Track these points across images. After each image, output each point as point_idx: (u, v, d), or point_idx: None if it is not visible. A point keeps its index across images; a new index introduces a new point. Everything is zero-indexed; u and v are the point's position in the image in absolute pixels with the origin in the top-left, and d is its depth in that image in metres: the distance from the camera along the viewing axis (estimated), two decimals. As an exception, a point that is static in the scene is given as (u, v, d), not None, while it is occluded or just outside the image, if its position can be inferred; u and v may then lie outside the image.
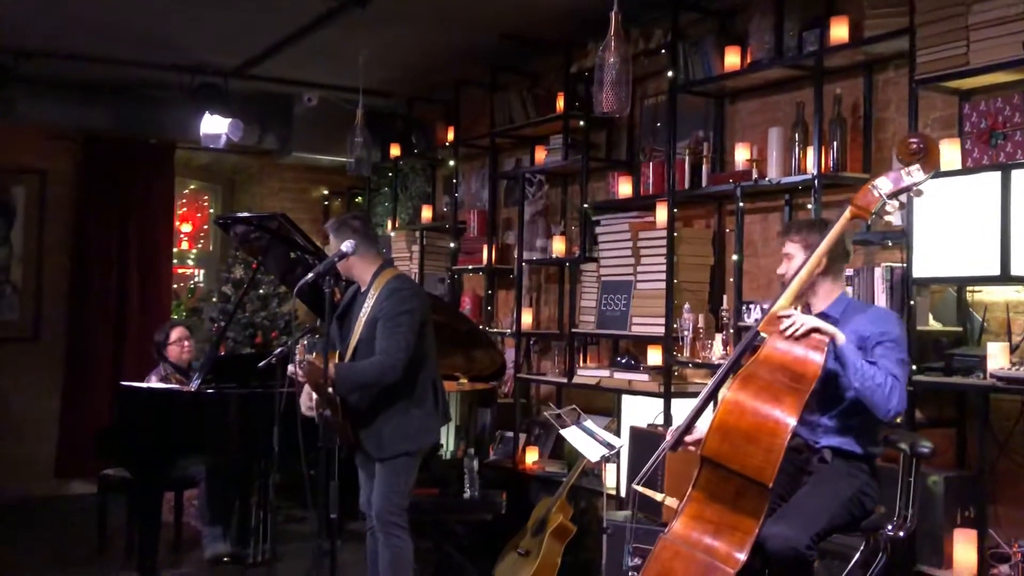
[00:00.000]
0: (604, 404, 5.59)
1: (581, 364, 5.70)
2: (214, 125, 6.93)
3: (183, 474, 5.68)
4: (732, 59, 4.84)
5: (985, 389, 3.57)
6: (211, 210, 9.14)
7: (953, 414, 3.97)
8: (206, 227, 9.09)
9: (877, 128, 4.43)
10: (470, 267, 6.74)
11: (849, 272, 4.00)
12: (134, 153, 7.90)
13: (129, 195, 7.93)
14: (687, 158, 5.07)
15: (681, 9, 5.10)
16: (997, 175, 3.58)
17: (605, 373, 5.36)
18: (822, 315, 3.39)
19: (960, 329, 3.93)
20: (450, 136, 7.03)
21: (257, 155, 8.33)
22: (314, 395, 4.13)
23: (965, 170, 3.79)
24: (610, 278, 5.39)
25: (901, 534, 3.25)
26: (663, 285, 4.97)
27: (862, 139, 4.44)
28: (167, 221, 8.20)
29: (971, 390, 3.66)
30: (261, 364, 4.56)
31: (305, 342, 4.03)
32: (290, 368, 4.07)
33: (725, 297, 4.88)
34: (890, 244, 4.15)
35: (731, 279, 4.81)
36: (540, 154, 6.22)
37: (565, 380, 5.68)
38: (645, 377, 5.08)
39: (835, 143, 4.35)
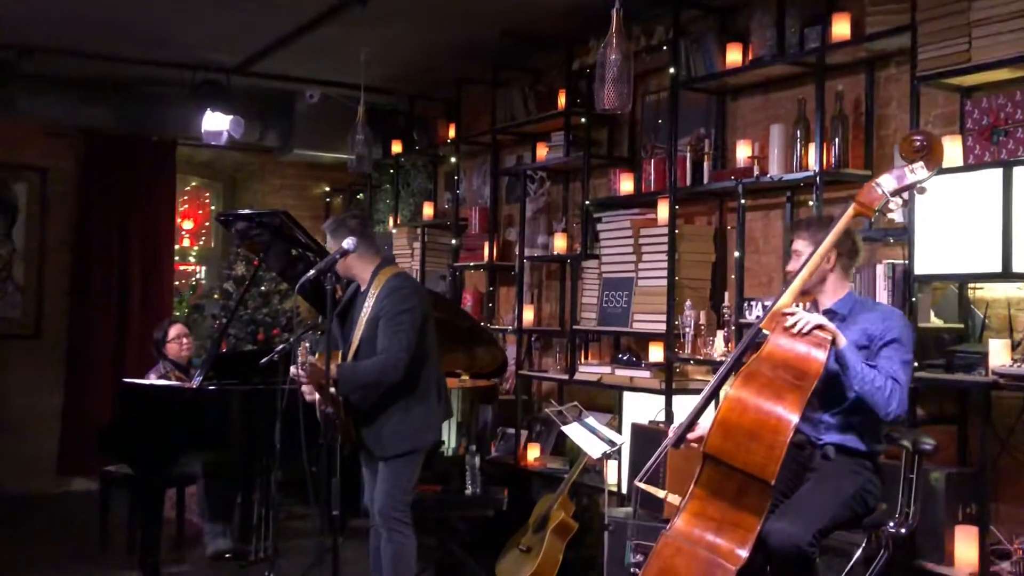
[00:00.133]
0: (605, 401, 5.59)
1: (582, 361, 5.70)
2: (215, 122, 6.93)
3: (185, 471, 5.68)
4: (734, 56, 4.84)
5: (986, 386, 3.57)
6: (212, 207, 9.14)
7: (954, 411, 3.97)
8: (208, 224, 9.10)
9: (879, 125, 4.43)
10: (471, 264, 6.74)
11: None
12: (135, 150, 7.90)
13: (131, 192, 7.93)
14: (688, 155, 5.07)
15: (683, 6, 5.10)
16: (999, 172, 3.58)
17: (606, 370, 5.36)
18: (829, 311, 3.40)
19: (962, 326, 3.93)
20: (451, 133, 7.03)
21: (258, 152, 8.34)
22: (316, 395, 4.14)
23: (967, 167, 3.79)
24: (611, 275, 5.39)
25: (903, 531, 3.26)
26: (664, 282, 4.97)
27: (863, 136, 4.44)
28: (169, 218, 8.20)
29: (972, 387, 3.66)
30: (263, 361, 4.56)
31: (307, 344, 4.03)
32: (293, 370, 4.07)
33: (726, 294, 4.89)
34: (892, 241, 4.15)
35: (732, 276, 4.82)
36: (542, 151, 6.22)
37: (566, 377, 5.68)
38: (646, 374, 5.08)
39: (836, 140, 4.35)
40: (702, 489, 3.15)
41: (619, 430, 5.07)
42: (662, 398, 4.94)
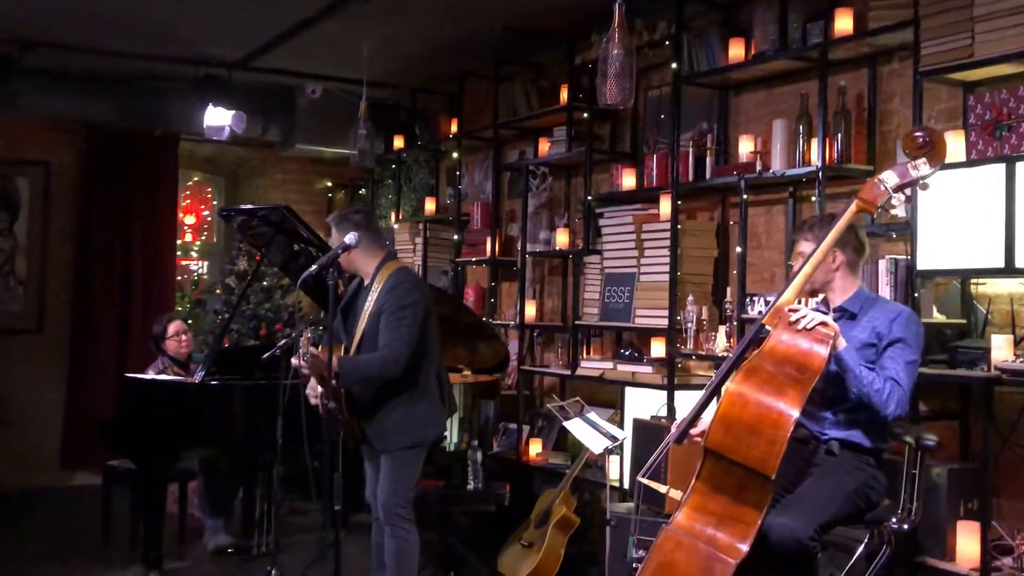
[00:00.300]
0: (607, 396, 5.59)
1: (584, 356, 5.70)
2: (217, 117, 6.93)
3: (187, 465, 5.69)
4: (736, 51, 4.83)
5: (989, 381, 3.57)
6: (214, 202, 9.14)
7: (957, 406, 3.97)
8: (210, 219, 9.10)
9: (881, 120, 4.42)
10: (473, 259, 6.74)
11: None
12: (138, 145, 7.91)
13: (133, 187, 7.93)
14: (691, 150, 5.07)
15: (685, 0, 5.09)
16: (1002, 167, 3.58)
17: (608, 365, 5.36)
18: (840, 309, 3.40)
19: (964, 321, 3.92)
20: (453, 128, 7.02)
21: (260, 147, 8.34)
22: (319, 387, 4.14)
23: (969, 162, 3.79)
24: (614, 270, 5.39)
25: (905, 527, 3.26)
26: (667, 277, 4.97)
27: (866, 131, 4.43)
28: (171, 213, 8.20)
29: (975, 382, 3.66)
30: (265, 356, 4.56)
31: (309, 334, 4.03)
32: (294, 360, 4.07)
33: (729, 289, 4.88)
34: (894, 236, 4.15)
35: (735, 271, 4.82)
36: (544, 146, 6.21)
37: (568, 372, 5.68)
38: (648, 369, 5.08)
39: (839, 135, 4.35)
40: (703, 484, 3.15)
41: (621, 425, 5.07)
42: (664, 393, 4.93)
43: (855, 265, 3.46)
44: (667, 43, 5.27)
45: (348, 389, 4.08)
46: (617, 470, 5.06)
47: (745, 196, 4.68)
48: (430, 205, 7.35)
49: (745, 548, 3.01)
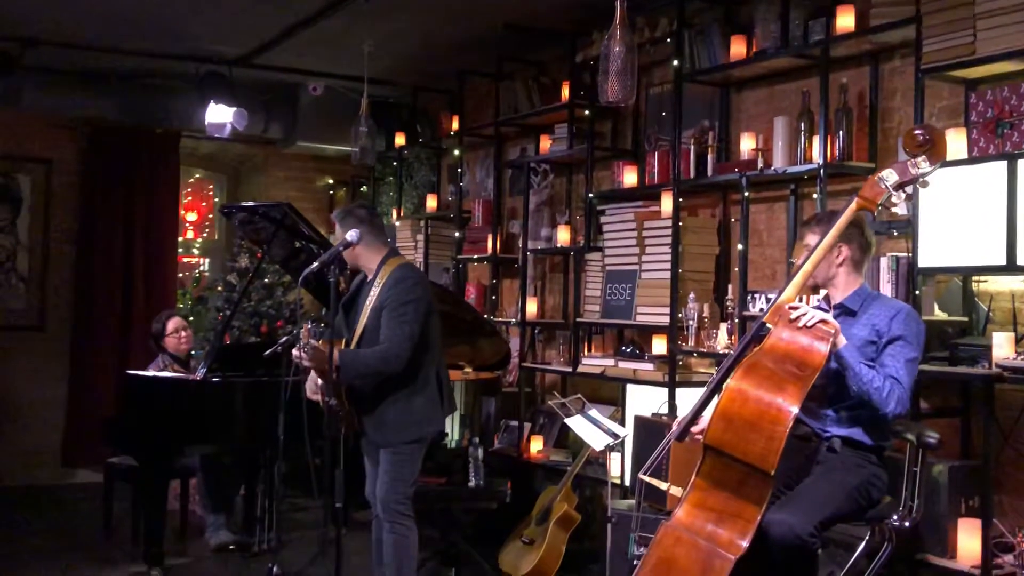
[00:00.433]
0: (609, 393, 5.60)
1: (586, 353, 5.70)
2: (219, 114, 6.93)
3: (189, 462, 5.69)
4: (738, 48, 4.83)
5: (990, 379, 3.56)
6: (216, 199, 9.15)
7: (958, 404, 3.97)
8: (211, 216, 9.11)
9: (883, 117, 4.42)
10: (475, 256, 6.74)
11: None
12: (139, 142, 7.91)
13: (134, 184, 7.93)
14: (692, 147, 5.07)
15: (687, -2, 5.09)
16: (1003, 165, 3.58)
17: (610, 362, 5.36)
18: (840, 306, 3.40)
19: (965, 319, 3.92)
20: (455, 125, 7.02)
21: (262, 144, 8.34)
22: (319, 381, 4.15)
23: (971, 159, 3.78)
24: (615, 267, 5.39)
25: (906, 524, 3.26)
26: (668, 274, 4.97)
27: (868, 128, 4.43)
28: (172, 210, 8.21)
29: (976, 380, 3.66)
30: (267, 353, 4.56)
31: (310, 326, 4.03)
32: (294, 351, 4.07)
33: (730, 286, 4.88)
34: (896, 234, 4.15)
35: (736, 268, 4.82)
36: (545, 143, 6.21)
37: (570, 369, 5.69)
38: (650, 366, 5.08)
39: (841, 132, 4.35)
40: (703, 480, 3.15)
41: (622, 422, 5.07)
42: (665, 391, 4.93)
43: (860, 262, 3.45)
44: (668, 40, 5.27)
45: (348, 383, 4.08)
46: (618, 467, 5.06)
47: (746, 193, 4.68)
48: (431, 202, 7.36)
49: (745, 544, 3.01)
